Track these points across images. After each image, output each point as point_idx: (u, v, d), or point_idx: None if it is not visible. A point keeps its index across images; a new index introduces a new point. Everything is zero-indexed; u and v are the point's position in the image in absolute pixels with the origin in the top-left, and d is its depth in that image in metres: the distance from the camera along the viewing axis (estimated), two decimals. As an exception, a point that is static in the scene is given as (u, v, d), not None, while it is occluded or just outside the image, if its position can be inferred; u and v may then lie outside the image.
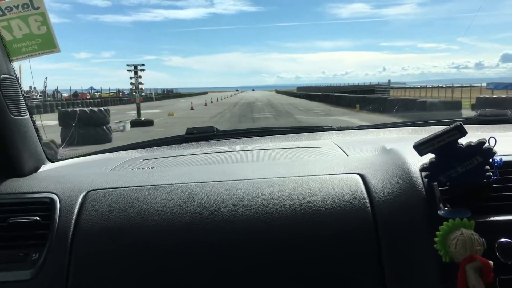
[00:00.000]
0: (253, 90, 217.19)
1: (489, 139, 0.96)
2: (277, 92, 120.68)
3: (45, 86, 41.57)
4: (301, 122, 19.11)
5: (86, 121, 12.50)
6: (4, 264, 1.02)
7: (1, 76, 1.21)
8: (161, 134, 16.07)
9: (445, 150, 0.95)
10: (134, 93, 19.85)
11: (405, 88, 42.74)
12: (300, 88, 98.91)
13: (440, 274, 0.92)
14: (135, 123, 17.76)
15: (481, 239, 0.88)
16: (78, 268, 1.01)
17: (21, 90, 1.30)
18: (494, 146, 0.95)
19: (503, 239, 0.92)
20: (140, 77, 19.64)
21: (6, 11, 1.23)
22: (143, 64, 19.42)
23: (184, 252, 1.02)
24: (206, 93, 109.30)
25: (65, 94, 50.59)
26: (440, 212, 0.96)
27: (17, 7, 1.24)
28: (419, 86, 41.17)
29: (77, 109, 14.43)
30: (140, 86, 19.91)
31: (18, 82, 1.29)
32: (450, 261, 0.90)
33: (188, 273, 1.01)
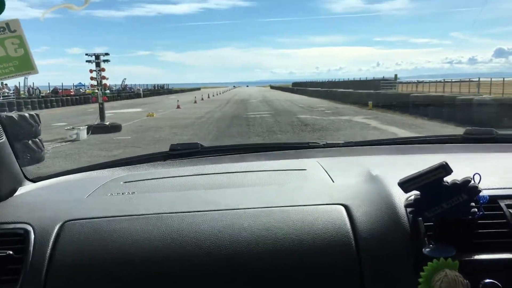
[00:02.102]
0: (247, 86, 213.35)
1: (473, 176, 0.95)
2: (272, 87, 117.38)
3: (26, 83, 38.69)
4: (307, 124, 15.31)
5: (-3, 133, 8.24)
6: None
7: None
8: (125, 143, 12.44)
9: (430, 187, 0.94)
10: (96, 91, 15.40)
11: (416, 82, 38.68)
12: (295, 84, 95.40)
13: None
14: (97, 129, 13.80)
15: (465, 281, 0.88)
16: None
17: None
18: (479, 183, 0.95)
19: (487, 280, 0.91)
20: (103, 69, 15.24)
21: None
22: (107, 54, 15.06)
23: (162, 285, 0.99)
24: (199, 89, 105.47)
25: (48, 91, 46.78)
26: (425, 250, 0.95)
27: None
28: (427, 81, 37.41)
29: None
30: (104, 81, 15.41)
31: None
32: None
33: None
